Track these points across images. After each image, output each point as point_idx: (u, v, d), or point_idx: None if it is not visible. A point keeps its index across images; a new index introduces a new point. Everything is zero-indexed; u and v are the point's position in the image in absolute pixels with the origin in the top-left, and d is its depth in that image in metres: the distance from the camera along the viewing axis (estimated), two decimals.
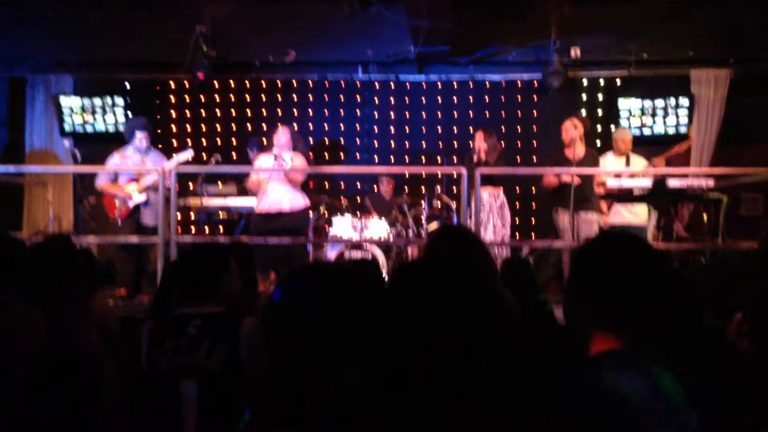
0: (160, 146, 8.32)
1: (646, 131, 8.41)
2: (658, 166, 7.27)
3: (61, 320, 2.46)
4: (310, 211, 7.69)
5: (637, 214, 6.92)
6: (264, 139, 7.75)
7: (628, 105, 8.51)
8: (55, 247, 2.94)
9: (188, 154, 6.80)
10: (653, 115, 8.44)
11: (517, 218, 8.62)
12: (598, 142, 8.54)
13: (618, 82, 8.70)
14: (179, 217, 7.50)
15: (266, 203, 6.64)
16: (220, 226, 8.19)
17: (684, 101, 8.39)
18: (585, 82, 8.77)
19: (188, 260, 2.89)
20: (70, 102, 8.85)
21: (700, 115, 8.37)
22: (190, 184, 7.70)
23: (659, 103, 8.43)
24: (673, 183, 6.02)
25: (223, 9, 7.83)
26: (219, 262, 2.82)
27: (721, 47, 8.29)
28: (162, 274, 5.28)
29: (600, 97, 8.80)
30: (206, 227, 7.61)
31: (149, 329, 2.62)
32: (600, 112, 8.65)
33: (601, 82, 8.76)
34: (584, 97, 8.81)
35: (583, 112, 8.62)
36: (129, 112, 8.77)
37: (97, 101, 8.87)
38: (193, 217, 8.84)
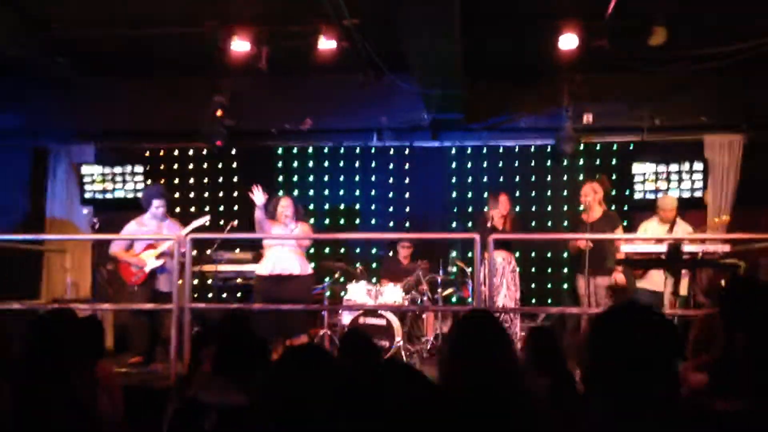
0: (177, 211, 8.46)
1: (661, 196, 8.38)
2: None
3: (66, 389, 2.47)
4: (326, 278, 7.71)
5: (653, 280, 6.86)
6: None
7: (641, 170, 8.53)
8: (54, 320, 2.94)
9: (204, 220, 6.89)
10: (667, 179, 8.44)
11: (533, 284, 8.58)
12: (613, 207, 8.52)
13: (631, 147, 8.73)
14: (194, 284, 7.54)
15: (275, 268, 6.65)
16: (237, 293, 8.21)
17: (698, 166, 8.39)
18: (598, 147, 8.81)
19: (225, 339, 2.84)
20: (91, 170, 9.05)
21: (714, 180, 8.34)
22: (207, 251, 7.75)
23: (673, 167, 8.44)
24: (688, 249, 5.97)
25: (241, 80, 8.05)
26: (257, 348, 2.76)
27: (734, 113, 8.34)
28: (193, 348, 5.30)
29: (614, 161, 8.82)
30: (222, 294, 7.63)
31: (171, 418, 2.59)
32: (614, 176, 8.67)
33: (615, 147, 8.80)
34: (598, 162, 8.83)
35: (597, 176, 8.62)
36: (148, 180, 8.92)
37: (118, 169, 9.06)
38: (209, 283, 8.86)
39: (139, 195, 8.21)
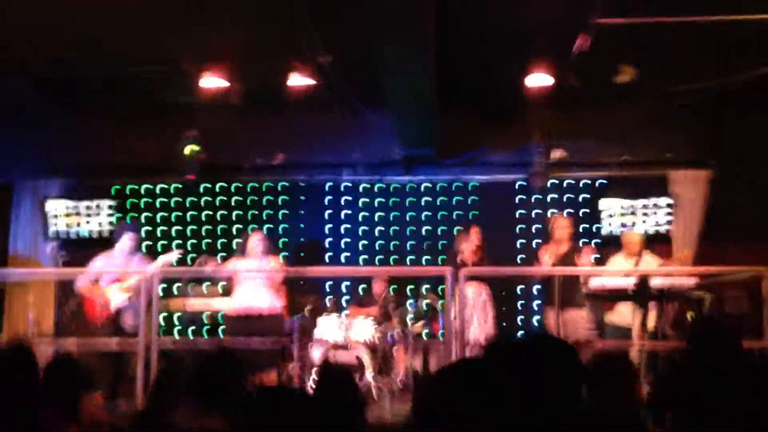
0: (146, 246, 8.33)
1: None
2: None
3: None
4: (296, 313, 7.63)
5: (621, 314, 6.91)
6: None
7: (609, 205, 8.65)
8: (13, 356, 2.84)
9: (173, 256, 6.79)
10: (634, 214, 8.57)
11: (503, 319, 8.58)
12: (582, 241, 8.60)
13: (600, 182, 8.85)
14: (161, 319, 7.43)
15: (244, 304, 6.57)
16: (204, 329, 8.09)
17: (664, 201, 8.54)
18: (568, 182, 8.92)
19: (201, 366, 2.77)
20: (56, 205, 8.91)
21: (680, 215, 8.50)
22: (175, 285, 7.64)
23: (640, 203, 8.58)
24: (655, 282, 6.04)
25: (213, 115, 8.02)
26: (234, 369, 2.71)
27: (699, 149, 8.54)
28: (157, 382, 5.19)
29: (583, 197, 8.93)
30: (189, 330, 7.51)
31: None
32: (583, 212, 8.77)
33: (584, 182, 8.92)
34: (567, 197, 8.93)
35: (566, 212, 8.71)
36: (116, 216, 8.81)
37: (84, 205, 8.93)
38: (176, 319, 8.73)
39: (107, 231, 8.12)
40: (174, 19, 6.34)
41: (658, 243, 8.30)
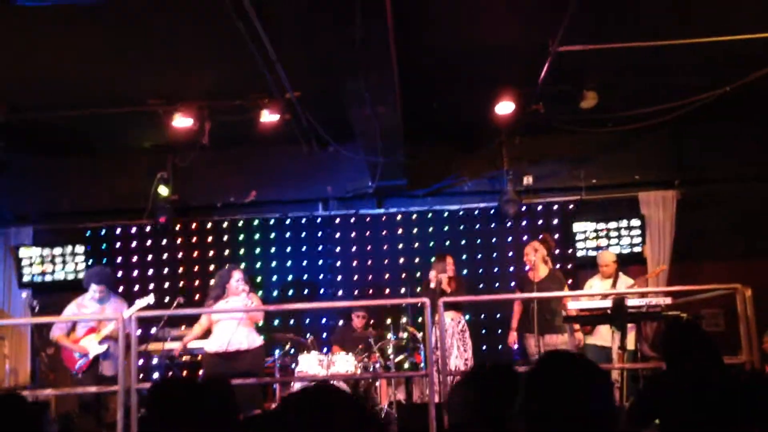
0: (121, 290, 8.26)
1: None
2: (641, 286, 7.35)
3: None
4: (277, 350, 7.60)
5: (601, 336, 6.96)
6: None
7: (582, 228, 8.75)
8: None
9: (148, 300, 6.73)
10: (607, 236, 8.68)
11: (483, 345, 8.59)
12: (558, 266, 8.68)
13: (571, 206, 8.96)
14: (140, 363, 7.34)
15: (223, 343, 6.49)
16: (185, 371, 7.99)
17: (635, 222, 8.67)
18: (540, 207, 9.01)
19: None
20: (29, 253, 8.81)
21: (652, 235, 8.62)
22: (153, 329, 7.57)
23: (612, 224, 8.70)
24: (632, 303, 6.10)
25: (183, 156, 8.04)
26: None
27: (666, 170, 8.71)
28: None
29: (555, 221, 9.03)
30: (169, 372, 7.42)
31: None
32: (557, 235, 8.86)
33: (555, 207, 9.02)
34: (540, 222, 9.02)
35: (540, 236, 8.79)
36: (90, 260, 8.72)
37: (57, 250, 8.85)
38: (155, 362, 8.62)
39: (80, 276, 8.02)
40: (143, 61, 6.38)
41: (632, 264, 8.40)
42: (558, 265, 8.23)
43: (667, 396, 3.34)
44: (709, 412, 3.19)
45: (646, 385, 3.61)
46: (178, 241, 9.19)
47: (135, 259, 9.17)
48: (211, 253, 9.14)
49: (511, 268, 8.86)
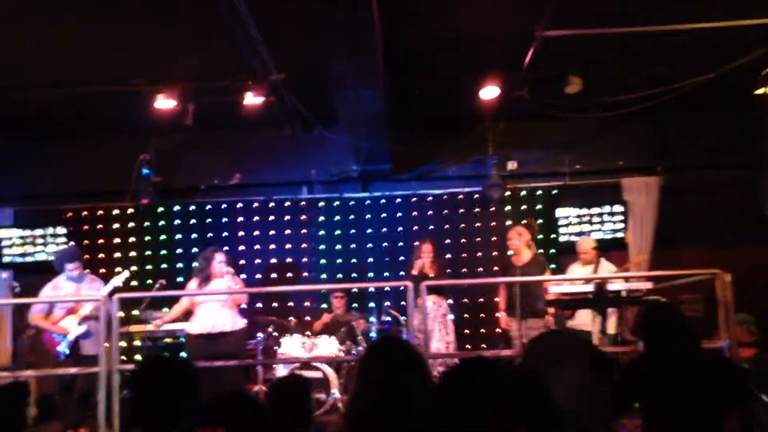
0: (102, 272, 8.20)
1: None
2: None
3: None
4: (259, 333, 7.60)
5: (581, 319, 7.01)
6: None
7: (565, 214, 8.81)
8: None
9: (124, 276, 6.72)
10: (590, 222, 8.73)
11: (467, 329, 8.64)
12: (540, 250, 8.72)
13: (555, 192, 9.00)
14: (122, 345, 7.32)
15: (206, 325, 6.49)
16: (166, 353, 7.97)
17: (618, 208, 8.73)
18: (524, 192, 9.04)
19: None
20: (9, 234, 8.75)
21: (634, 221, 8.68)
22: (135, 311, 7.53)
23: (595, 210, 8.75)
24: (613, 287, 6.15)
25: (167, 137, 7.98)
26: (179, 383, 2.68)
27: (649, 156, 8.76)
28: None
29: (539, 206, 9.06)
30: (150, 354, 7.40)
31: None
32: (540, 221, 8.89)
33: (539, 192, 9.05)
34: (524, 207, 9.05)
35: (523, 221, 8.83)
36: (71, 241, 8.66)
37: (38, 232, 8.80)
38: (136, 344, 8.59)
39: None
40: (126, 41, 6.32)
41: (614, 250, 8.45)
42: (540, 250, 8.26)
43: (646, 379, 3.38)
44: (688, 395, 3.23)
45: (626, 369, 3.64)
46: (161, 223, 9.15)
47: (117, 241, 9.11)
48: (194, 235, 9.11)
49: (495, 253, 8.88)
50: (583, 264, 7.33)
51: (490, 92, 7.44)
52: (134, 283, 7.41)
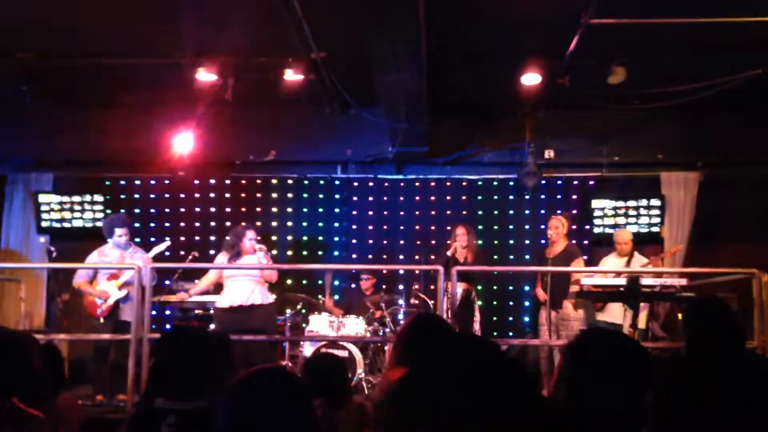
0: (137, 241, 8.32)
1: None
2: (656, 266, 7.31)
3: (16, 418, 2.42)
4: (288, 309, 7.67)
5: (612, 313, 6.95)
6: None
7: (601, 205, 8.70)
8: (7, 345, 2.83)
9: (165, 245, 6.85)
10: (626, 215, 8.62)
11: (494, 317, 8.62)
12: (573, 241, 8.65)
13: (591, 182, 8.90)
14: (153, 314, 7.42)
15: (236, 299, 6.55)
16: (195, 323, 8.08)
17: (655, 202, 8.60)
18: (559, 182, 8.96)
19: (168, 350, 2.79)
20: (48, 199, 8.89)
21: (671, 216, 8.55)
22: (167, 281, 7.63)
23: (631, 203, 8.63)
24: (646, 282, 6.08)
25: (206, 111, 8.03)
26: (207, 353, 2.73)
27: (690, 151, 8.60)
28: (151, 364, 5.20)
29: (574, 197, 8.97)
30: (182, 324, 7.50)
31: (128, 423, 2.58)
32: (574, 211, 8.81)
33: (575, 182, 8.96)
34: (559, 196, 8.97)
35: (558, 212, 8.76)
36: (108, 210, 8.79)
37: (76, 198, 8.92)
38: (167, 314, 8.73)
39: (99, 224, 8.10)
40: (169, 13, 6.35)
41: (649, 244, 8.35)
42: (573, 241, 8.20)
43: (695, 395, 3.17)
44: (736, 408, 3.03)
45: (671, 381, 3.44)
46: (196, 195, 9.23)
47: (153, 211, 9.22)
48: (228, 209, 9.18)
49: (527, 241, 8.83)
50: (620, 256, 7.24)
51: (531, 79, 7.34)
52: (167, 254, 7.49)
